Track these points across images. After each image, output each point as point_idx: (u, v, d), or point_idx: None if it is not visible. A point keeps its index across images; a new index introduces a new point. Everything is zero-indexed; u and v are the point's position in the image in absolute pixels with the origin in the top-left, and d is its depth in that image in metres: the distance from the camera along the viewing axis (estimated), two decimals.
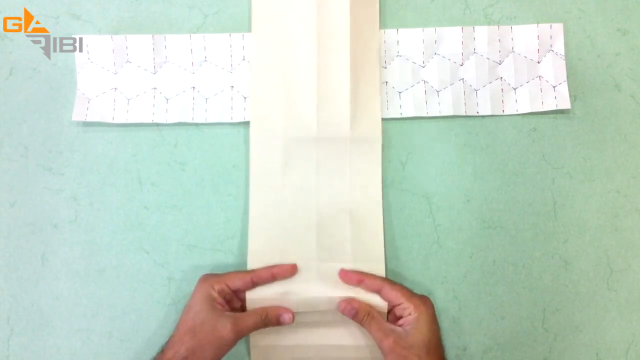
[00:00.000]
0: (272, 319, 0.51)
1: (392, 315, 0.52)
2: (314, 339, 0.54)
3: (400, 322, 0.50)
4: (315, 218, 0.55)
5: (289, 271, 0.53)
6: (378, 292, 0.52)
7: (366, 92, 0.56)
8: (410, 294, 0.51)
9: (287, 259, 0.54)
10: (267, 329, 0.52)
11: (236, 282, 0.51)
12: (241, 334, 0.49)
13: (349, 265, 0.54)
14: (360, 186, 0.55)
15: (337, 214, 0.55)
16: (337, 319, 0.53)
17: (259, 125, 0.56)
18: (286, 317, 0.51)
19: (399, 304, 0.51)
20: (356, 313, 0.51)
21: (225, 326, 0.48)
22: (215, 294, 0.50)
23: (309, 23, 0.55)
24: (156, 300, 0.56)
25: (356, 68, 0.56)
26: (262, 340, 0.54)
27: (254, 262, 0.54)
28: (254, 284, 0.52)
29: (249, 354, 0.55)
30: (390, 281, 0.53)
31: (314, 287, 0.53)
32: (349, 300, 0.52)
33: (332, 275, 0.54)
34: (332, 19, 0.56)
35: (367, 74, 0.56)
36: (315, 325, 0.54)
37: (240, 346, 0.55)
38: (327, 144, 0.55)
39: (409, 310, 0.50)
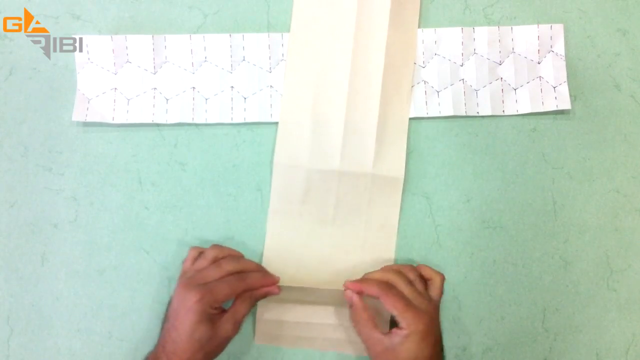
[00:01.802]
0: (259, 297, 0.52)
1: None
2: (320, 317, 0.55)
3: (395, 330, 0.49)
4: (329, 251, 0.55)
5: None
6: (377, 299, 0.50)
7: (393, 130, 0.56)
8: (404, 307, 0.48)
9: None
10: (273, 304, 0.54)
11: (228, 295, 0.49)
12: (240, 325, 0.50)
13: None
14: (376, 225, 0.56)
15: (350, 250, 0.55)
16: (344, 300, 0.52)
17: (283, 153, 0.56)
18: (274, 291, 0.52)
19: (394, 315, 0.49)
20: (350, 305, 0.51)
21: (227, 329, 0.49)
22: (213, 311, 0.48)
23: (343, 58, 0.55)
24: (156, 300, 0.56)
25: (386, 106, 0.55)
26: (267, 314, 0.55)
27: None
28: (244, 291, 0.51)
29: (254, 327, 0.55)
30: (388, 290, 0.50)
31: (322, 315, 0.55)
32: (353, 290, 0.51)
33: (342, 308, 0.55)
34: (367, 56, 0.55)
35: (396, 112, 0.56)
36: (322, 303, 0.55)
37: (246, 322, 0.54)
38: (349, 178, 0.55)
39: (401, 325, 0.48)
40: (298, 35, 0.56)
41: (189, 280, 0.49)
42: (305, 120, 0.56)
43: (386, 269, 0.53)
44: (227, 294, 0.49)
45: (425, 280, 0.53)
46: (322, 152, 0.55)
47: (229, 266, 0.50)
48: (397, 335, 0.48)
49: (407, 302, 0.49)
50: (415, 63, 0.57)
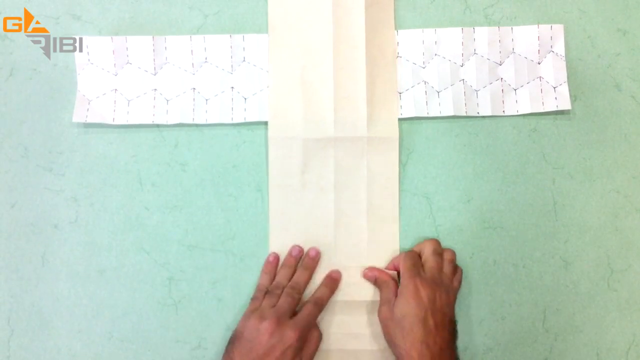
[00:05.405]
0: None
1: None
2: (333, 327, 0.55)
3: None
4: (334, 218, 0.56)
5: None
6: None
7: (383, 92, 0.57)
8: (405, 269, 0.52)
9: None
10: None
11: (314, 322, 0.53)
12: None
13: (365, 266, 0.56)
14: (377, 186, 0.56)
15: (355, 214, 0.56)
16: (353, 311, 0.55)
17: (277, 126, 0.56)
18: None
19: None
20: (375, 280, 0.55)
21: (316, 341, 0.52)
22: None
23: (326, 25, 0.56)
24: (156, 300, 0.56)
25: (372, 68, 0.56)
26: None
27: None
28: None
29: None
30: (405, 253, 0.54)
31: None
32: (372, 269, 0.55)
33: (350, 278, 0.56)
34: (348, 21, 0.56)
35: (384, 74, 0.57)
36: (334, 313, 0.55)
37: None
38: (344, 143, 0.56)
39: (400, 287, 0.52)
40: (277, 15, 0.57)
41: (276, 315, 0.50)
42: (294, 90, 0.56)
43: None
44: (312, 321, 0.52)
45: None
46: (316, 120, 0.56)
47: (297, 294, 0.53)
48: (396, 295, 0.51)
49: (410, 265, 0.52)
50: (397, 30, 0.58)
